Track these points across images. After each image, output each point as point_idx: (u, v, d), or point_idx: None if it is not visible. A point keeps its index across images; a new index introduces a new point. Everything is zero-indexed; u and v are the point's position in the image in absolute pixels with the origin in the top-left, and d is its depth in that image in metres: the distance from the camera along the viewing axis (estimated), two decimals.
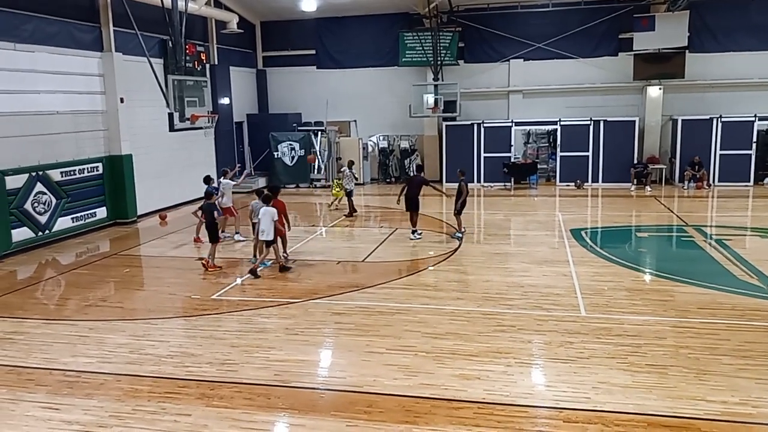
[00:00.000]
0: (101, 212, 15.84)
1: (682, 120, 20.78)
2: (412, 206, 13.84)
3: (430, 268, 11.55)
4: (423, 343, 7.76)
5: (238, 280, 10.90)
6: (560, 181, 21.87)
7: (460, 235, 13.77)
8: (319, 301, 9.59)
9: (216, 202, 12.29)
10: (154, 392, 6.61)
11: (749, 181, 20.37)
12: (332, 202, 18.27)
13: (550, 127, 22.37)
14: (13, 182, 13.23)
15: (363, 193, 20.98)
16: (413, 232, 13.81)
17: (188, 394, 6.58)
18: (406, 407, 6.14)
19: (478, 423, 5.80)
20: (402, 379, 6.78)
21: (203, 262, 11.66)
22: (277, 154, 22.97)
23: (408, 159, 23.53)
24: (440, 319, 8.61)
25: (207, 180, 13.77)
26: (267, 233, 10.80)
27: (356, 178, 17.85)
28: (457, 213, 13.92)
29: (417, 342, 7.80)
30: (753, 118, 20.28)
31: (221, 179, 14.53)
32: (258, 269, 11.12)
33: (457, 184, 14.10)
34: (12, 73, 13.32)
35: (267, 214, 10.85)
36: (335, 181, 18.64)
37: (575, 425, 5.73)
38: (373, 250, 12.83)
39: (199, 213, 12.22)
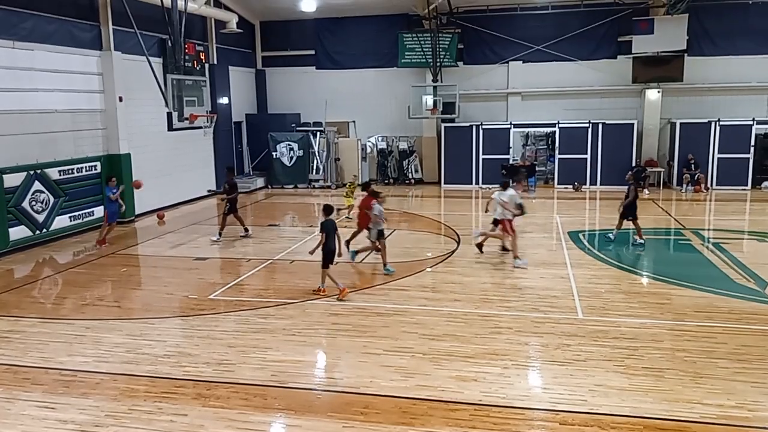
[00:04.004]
0: (99, 211, 15.78)
1: (681, 123, 20.84)
2: (234, 209, 14.20)
3: (428, 269, 11.56)
4: (420, 344, 7.76)
5: None
6: (558, 184, 21.88)
7: (641, 241, 12.99)
8: (316, 302, 9.59)
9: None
10: (151, 392, 6.60)
11: (747, 185, 20.42)
12: (348, 210, 16.00)
13: (549, 130, 22.41)
14: (11, 180, 13.20)
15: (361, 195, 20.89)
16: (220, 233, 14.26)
17: (185, 394, 6.57)
18: (403, 408, 6.13)
19: (474, 425, 5.80)
20: (399, 380, 6.78)
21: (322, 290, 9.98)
22: (276, 155, 22.99)
23: (406, 160, 23.54)
24: (437, 321, 8.61)
25: (328, 210, 10.22)
26: (502, 213, 12.26)
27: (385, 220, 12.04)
28: (633, 219, 13.07)
29: (414, 343, 7.79)
30: (751, 122, 20.34)
31: (499, 190, 12.48)
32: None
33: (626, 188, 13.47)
34: (11, 71, 13.29)
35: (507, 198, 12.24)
36: (348, 187, 16.90)
37: (571, 428, 5.73)
38: (371, 252, 12.79)
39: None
